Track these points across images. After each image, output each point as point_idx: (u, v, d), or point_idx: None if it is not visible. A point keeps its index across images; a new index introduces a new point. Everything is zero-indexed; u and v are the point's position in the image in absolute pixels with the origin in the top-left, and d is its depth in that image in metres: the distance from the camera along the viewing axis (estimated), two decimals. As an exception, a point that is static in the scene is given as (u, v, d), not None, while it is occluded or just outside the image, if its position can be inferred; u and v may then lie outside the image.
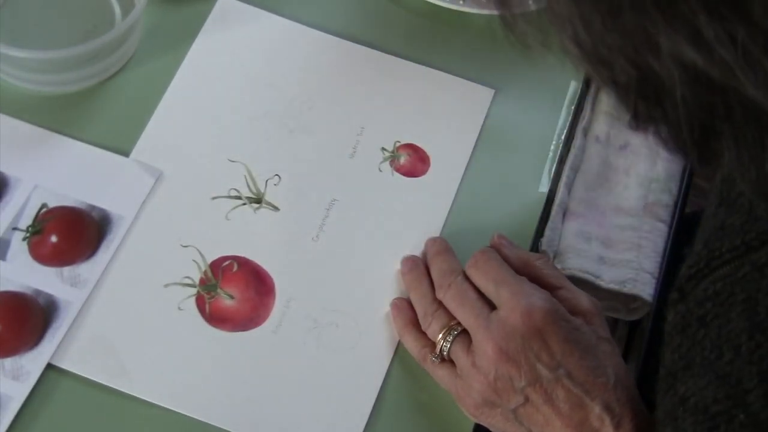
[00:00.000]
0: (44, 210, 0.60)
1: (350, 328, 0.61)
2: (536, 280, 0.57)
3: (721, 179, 0.51)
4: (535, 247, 0.64)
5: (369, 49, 0.71)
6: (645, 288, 0.63)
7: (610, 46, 0.32)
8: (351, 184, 0.65)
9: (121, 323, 0.59)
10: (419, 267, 0.61)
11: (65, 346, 0.57)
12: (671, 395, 0.49)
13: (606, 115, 0.70)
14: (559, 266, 0.63)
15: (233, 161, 0.65)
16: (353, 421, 0.58)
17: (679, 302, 0.50)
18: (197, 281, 0.61)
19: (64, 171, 0.63)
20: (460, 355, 0.56)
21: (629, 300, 0.64)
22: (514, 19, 0.37)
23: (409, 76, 0.70)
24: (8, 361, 0.56)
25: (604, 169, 0.68)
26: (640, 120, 0.35)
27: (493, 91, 0.70)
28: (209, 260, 0.61)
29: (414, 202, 0.65)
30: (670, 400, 0.49)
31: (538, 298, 0.55)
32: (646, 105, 0.34)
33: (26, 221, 0.60)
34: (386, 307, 0.61)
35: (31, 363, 0.57)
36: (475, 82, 0.70)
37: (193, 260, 0.61)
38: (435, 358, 0.57)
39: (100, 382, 0.57)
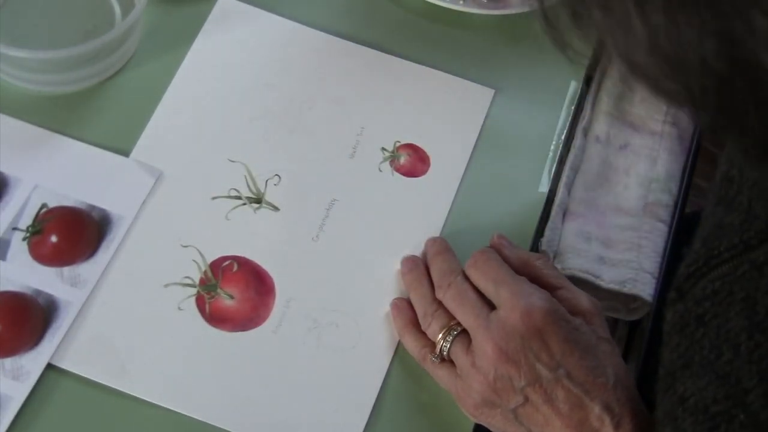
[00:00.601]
0: (44, 210, 0.60)
1: (350, 328, 0.61)
2: (536, 280, 0.57)
3: (720, 178, 0.51)
4: (535, 247, 0.64)
5: (369, 49, 0.71)
6: (645, 288, 0.63)
7: (687, 41, 0.29)
8: (351, 184, 0.65)
9: (121, 323, 0.59)
10: (419, 267, 0.61)
11: (65, 346, 0.57)
12: (671, 395, 0.49)
13: (606, 115, 0.70)
14: (559, 266, 0.63)
15: (233, 161, 0.65)
16: (353, 421, 0.58)
17: (677, 301, 0.50)
18: (197, 281, 0.61)
19: (64, 171, 0.63)
20: (459, 355, 0.56)
21: (629, 300, 0.64)
22: (556, 14, 0.34)
23: (409, 76, 0.70)
24: (8, 361, 0.56)
25: (604, 169, 0.68)
26: (716, 132, 0.33)
27: (493, 91, 0.70)
28: (209, 260, 0.61)
29: (414, 202, 0.65)
30: (669, 400, 0.49)
31: (537, 298, 0.55)
32: (724, 117, 0.32)
33: (26, 221, 0.60)
34: (386, 307, 0.61)
35: (31, 363, 0.57)
36: (475, 82, 0.70)
37: (193, 260, 0.61)
38: (435, 358, 0.57)
39: (100, 382, 0.57)
